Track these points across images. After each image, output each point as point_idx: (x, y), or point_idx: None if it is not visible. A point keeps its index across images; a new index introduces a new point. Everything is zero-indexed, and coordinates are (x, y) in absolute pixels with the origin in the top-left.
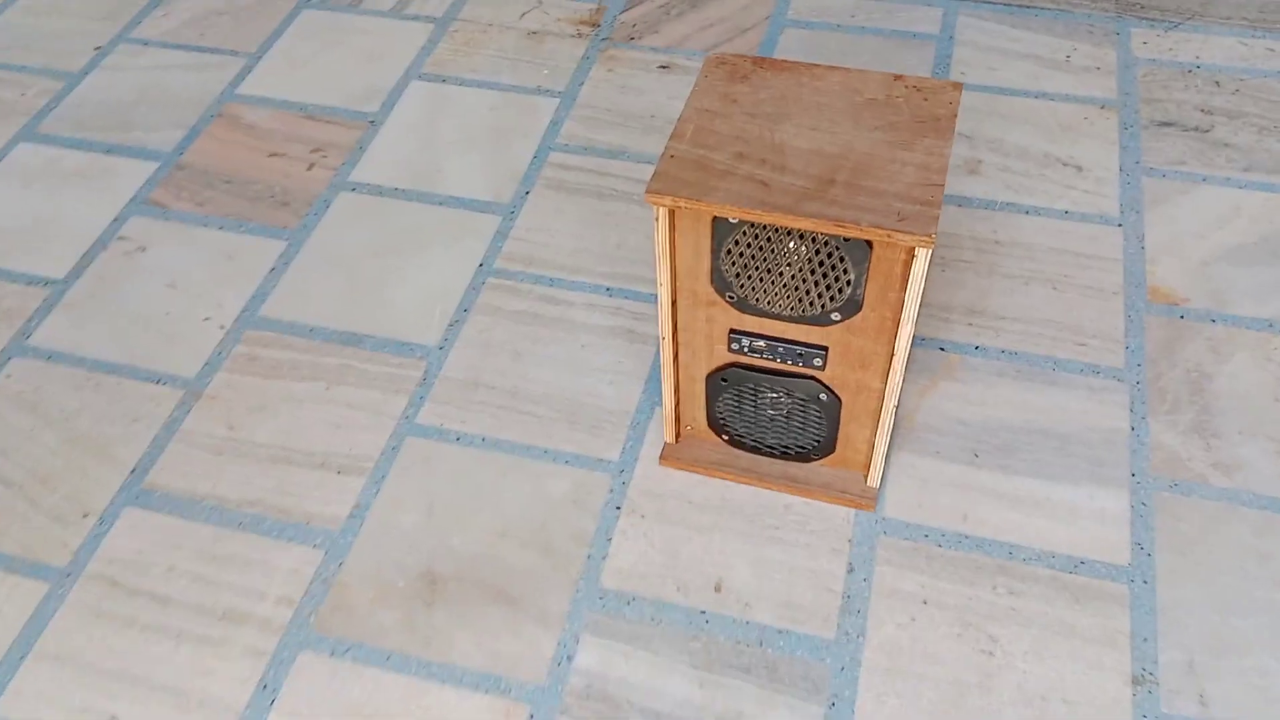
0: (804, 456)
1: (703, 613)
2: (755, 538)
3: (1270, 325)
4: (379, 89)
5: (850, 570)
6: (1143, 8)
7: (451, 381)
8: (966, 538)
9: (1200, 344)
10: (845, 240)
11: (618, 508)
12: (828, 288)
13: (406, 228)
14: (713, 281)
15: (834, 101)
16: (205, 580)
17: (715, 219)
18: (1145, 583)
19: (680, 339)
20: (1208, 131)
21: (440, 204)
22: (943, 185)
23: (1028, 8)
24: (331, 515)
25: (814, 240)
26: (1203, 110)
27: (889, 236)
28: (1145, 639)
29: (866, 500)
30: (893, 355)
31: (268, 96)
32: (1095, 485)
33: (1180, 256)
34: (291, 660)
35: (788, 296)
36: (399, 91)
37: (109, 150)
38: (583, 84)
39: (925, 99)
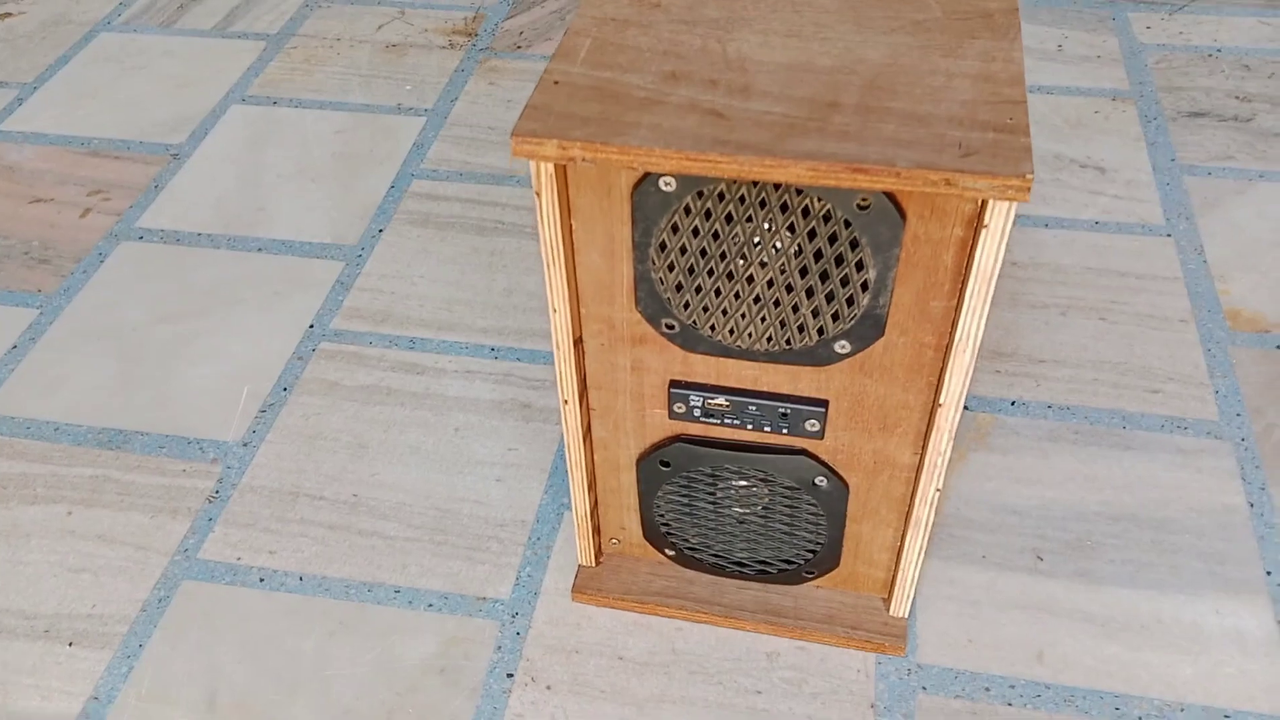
0: (793, 575)
1: None
2: (727, 710)
3: None
4: (187, 117)
5: None
6: None
7: (258, 493)
8: (1047, 688)
9: None
10: (860, 208)
11: (509, 675)
12: (829, 298)
13: (209, 284)
14: (639, 302)
15: (820, 1)
16: None
17: (637, 191)
18: None
19: (593, 402)
20: (1249, 120)
21: (258, 250)
22: (1024, 104)
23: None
24: (53, 715)
25: (804, 214)
26: (1238, 98)
27: (949, 184)
28: None
29: (892, 640)
30: (936, 411)
31: (40, 132)
32: (1221, 593)
33: (1257, 270)
34: None
35: (763, 319)
36: (214, 119)
37: None
38: (455, 100)
39: None
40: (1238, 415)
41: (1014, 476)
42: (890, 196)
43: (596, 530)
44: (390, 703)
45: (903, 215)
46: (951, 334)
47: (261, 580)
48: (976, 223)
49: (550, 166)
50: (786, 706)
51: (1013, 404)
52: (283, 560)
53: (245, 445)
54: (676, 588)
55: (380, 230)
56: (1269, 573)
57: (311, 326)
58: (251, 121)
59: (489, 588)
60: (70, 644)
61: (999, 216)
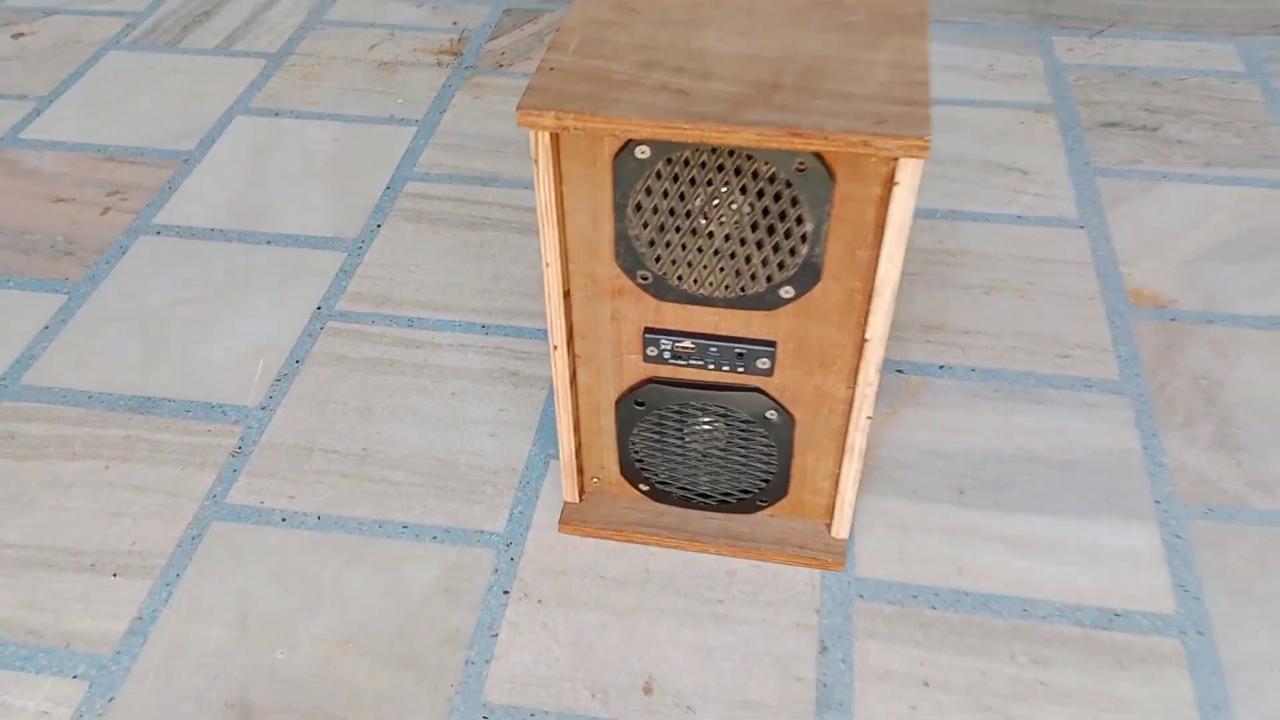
0: (748, 505)
1: None
2: (693, 618)
3: (1277, 323)
4: (196, 127)
5: (823, 650)
6: (1062, 16)
7: (276, 449)
8: (967, 595)
9: (1202, 348)
10: (799, 171)
11: (505, 592)
12: (775, 249)
13: (223, 272)
14: (618, 257)
15: (766, 4)
16: None
17: (617, 159)
18: (1201, 634)
19: (578, 349)
20: (1156, 130)
21: (267, 243)
22: (928, 85)
23: (940, 21)
24: (102, 633)
25: (754, 177)
26: (1147, 110)
27: (867, 145)
28: (1216, 708)
29: (835, 557)
30: (864, 346)
31: (58, 140)
32: (1115, 518)
33: (1157, 256)
34: None
35: (721, 269)
36: (221, 128)
37: None
38: (444, 112)
39: None
40: (1136, 375)
41: (941, 427)
42: (822, 161)
43: (580, 470)
44: (401, 618)
45: (833, 176)
46: (874, 279)
47: (283, 520)
48: (890, 182)
49: (546, 136)
50: (744, 613)
51: (941, 368)
52: (302, 503)
53: (263, 409)
54: (649, 519)
55: (378, 225)
56: (1158, 502)
57: (319, 308)
58: (256, 130)
59: (486, 523)
60: (114, 575)
61: (908, 174)
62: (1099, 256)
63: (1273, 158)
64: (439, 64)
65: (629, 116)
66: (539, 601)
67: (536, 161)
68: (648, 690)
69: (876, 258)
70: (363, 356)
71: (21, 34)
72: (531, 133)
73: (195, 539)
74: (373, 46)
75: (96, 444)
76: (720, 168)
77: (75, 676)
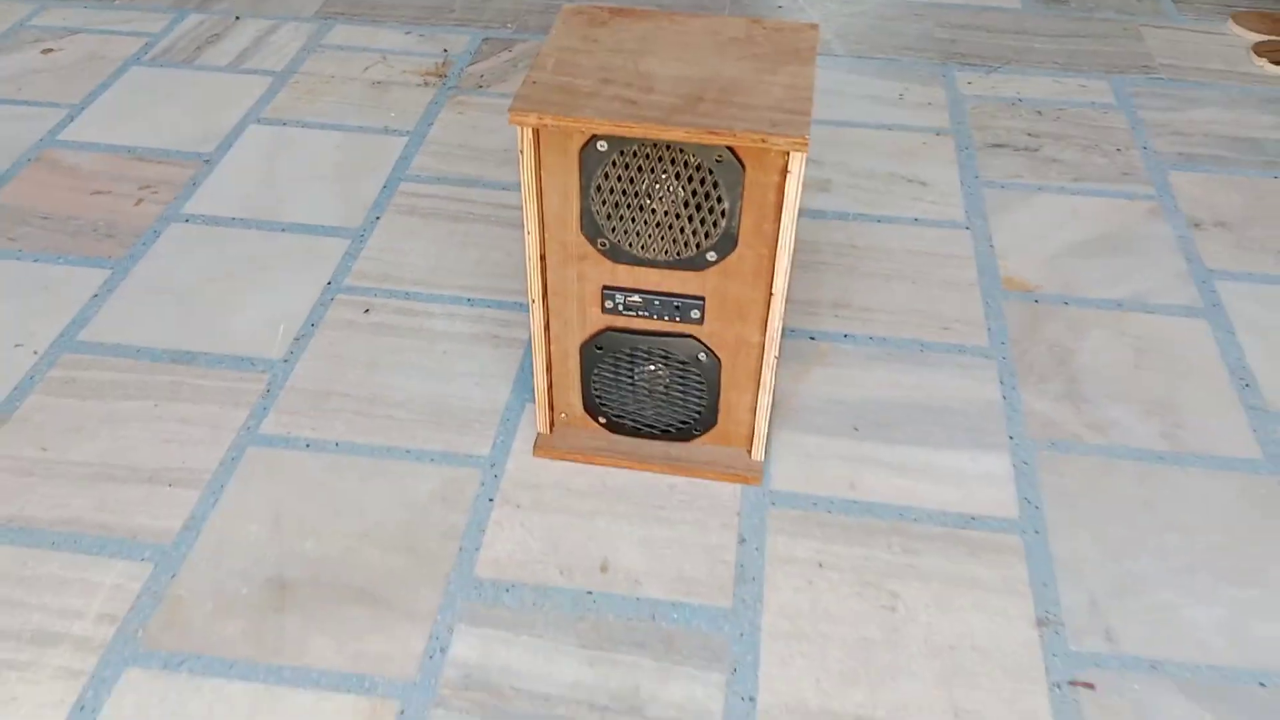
0: (686, 434)
1: (589, 593)
2: (641, 519)
3: (1119, 305)
4: (214, 133)
5: (742, 541)
6: (964, 55)
7: (299, 392)
8: (856, 503)
9: (1059, 323)
10: (718, 161)
11: (490, 500)
12: (702, 222)
13: (245, 254)
14: (583, 228)
15: (696, 40)
16: (9, 603)
17: (583, 151)
18: (1037, 533)
19: (551, 304)
20: (1036, 150)
21: (282, 231)
22: (810, 100)
23: (860, 57)
24: (162, 529)
25: (685, 166)
26: (1029, 134)
27: (763, 141)
28: (1045, 584)
29: (753, 475)
30: (770, 299)
31: (92, 142)
32: (977, 449)
33: (1028, 252)
34: (115, 679)
35: (661, 237)
36: (236, 134)
37: None
38: (432, 124)
39: (785, 38)
40: (1003, 344)
41: (843, 382)
42: (734, 154)
43: (551, 406)
44: (407, 518)
45: (743, 166)
46: (776, 246)
47: (308, 446)
48: (785, 171)
49: (530, 131)
50: (681, 516)
51: (845, 336)
52: (322, 433)
53: (285, 362)
54: (607, 446)
55: (377, 218)
56: (1011, 437)
57: (329, 283)
58: (267, 137)
59: (474, 449)
60: (169, 485)
61: (796, 164)
62: (980, 252)
63: (1131, 175)
64: (426, 84)
65: (591, 117)
66: (518, 506)
67: (522, 151)
68: (604, 569)
69: (776, 230)
70: (368, 322)
71: (50, 50)
72: (519, 128)
73: (234, 460)
74: (367, 68)
75: (145, 387)
76: (660, 159)
77: (142, 559)
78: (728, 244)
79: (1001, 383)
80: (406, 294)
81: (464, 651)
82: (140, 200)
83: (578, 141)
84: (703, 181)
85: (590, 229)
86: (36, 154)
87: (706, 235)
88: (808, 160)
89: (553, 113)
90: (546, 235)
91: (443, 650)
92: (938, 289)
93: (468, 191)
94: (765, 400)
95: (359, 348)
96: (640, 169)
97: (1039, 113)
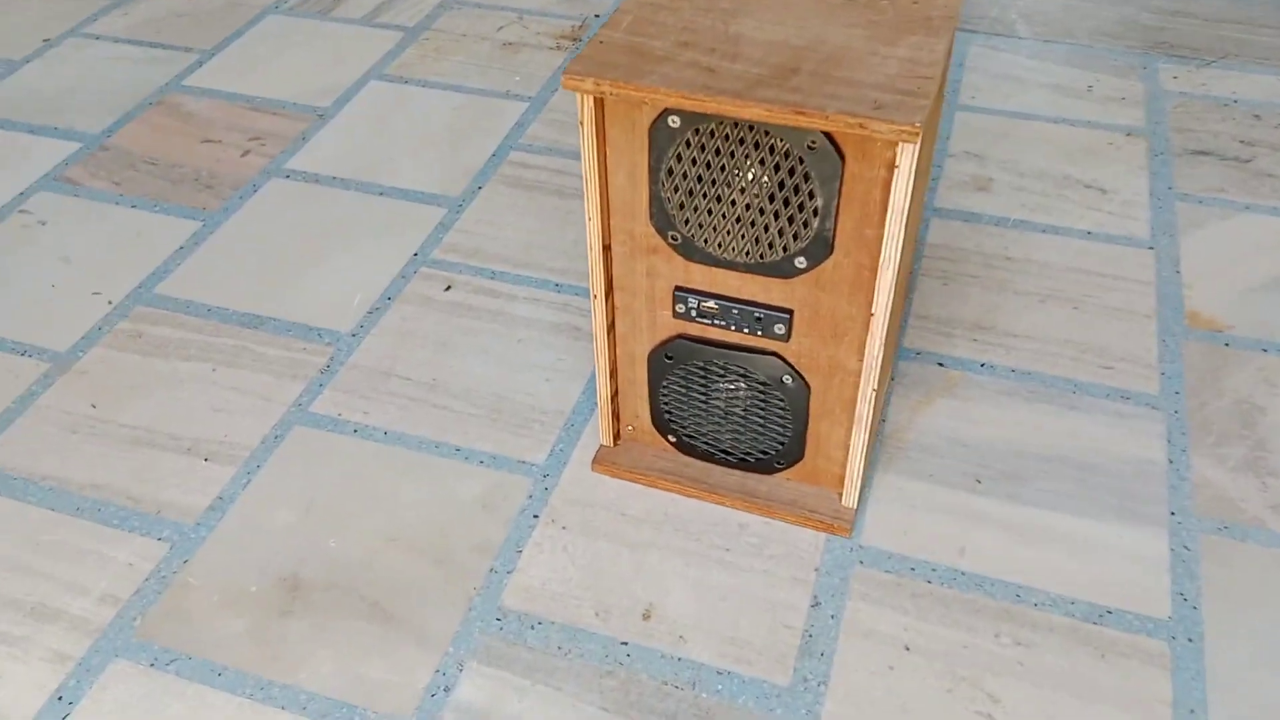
0: (767, 466)
1: (624, 644)
2: (700, 559)
3: None
4: (334, 87)
5: (815, 604)
6: (1172, 45)
7: (359, 369)
8: (963, 574)
9: (1250, 374)
10: (811, 149)
11: (535, 516)
12: (790, 221)
13: (339, 216)
14: (652, 218)
15: (805, 1)
16: (21, 569)
17: (653, 127)
18: (1191, 641)
19: (616, 300)
20: (1248, 162)
21: (380, 194)
22: (936, 80)
23: (1047, 41)
24: (188, 505)
25: (772, 152)
26: (1242, 141)
27: (862, 127)
28: (1192, 711)
29: (841, 523)
30: (870, 319)
31: (214, 89)
32: (1125, 523)
33: (1222, 283)
34: (100, 669)
35: (742, 235)
36: (356, 89)
37: (32, 131)
38: (555, 91)
39: (916, 4)
40: (1176, 393)
41: (970, 419)
42: (832, 141)
43: (616, 415)
44: (444, 523)
45: (841, 156)
46: (879, 257)
47: (355, 431)
48: (892, 166)
49: (590, 101)
50: (748, 562)
51: (982, 365)
52: (373, 418)
53: (353, 335)
54: (674, 469)
55: (479, 187)
56: (1173, 513)
57: (415, 255)
58: (386, 95)
59: (528, 454)
60: (206, 459)
61: (906, 158)
62: (1163, 277)
63: None
64: (558, 47)
65: (656, 86)
66: (563, 527)
67: (582, 123)
68: (646, 616)
69: (882, 237)
70: (447, 300)
71: None
72: (578, 96)
73: (278, 438)
74: (500, 28)
75: (208, 349)
76: (741, 141)
77: (160, 539)
78: (821, 249)
79: (1169, 442)
80: (493, 273)
81: (470, 694)
82: (247, 152)
83: (647, 115)
84: (792, 172)
85: (661, 219)
86: (160, 98)
87: (795, 237)
88: (967, 154)
89: (613, 78)
90: (612, 222)
91: (447, 689)
92: (1104, 318)
93: (576, 165)
94: (860, 439)
95: (431, 327)
96: (719, 152)
97: (1256, 117)
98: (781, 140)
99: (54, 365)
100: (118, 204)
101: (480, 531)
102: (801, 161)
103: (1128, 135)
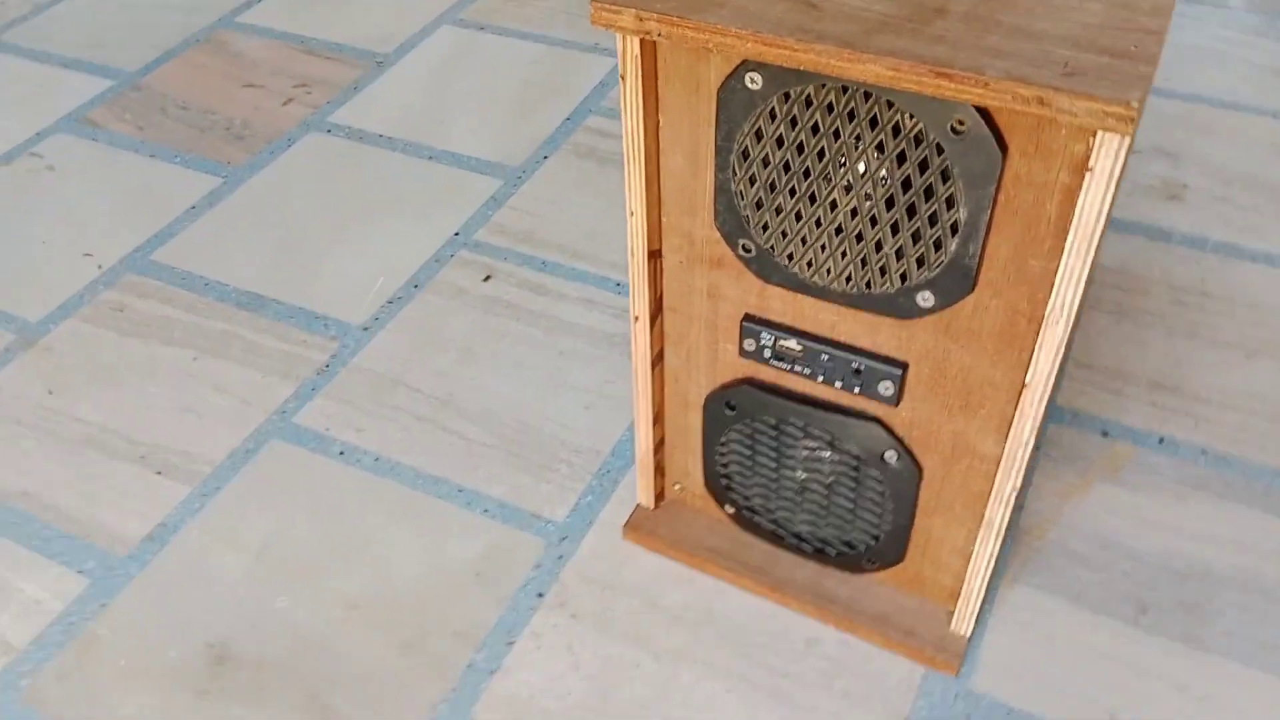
0: (853, 562)
1: None
2: (748, 685)
3: None
4: (401, 30)
5: None
6: None
7: (363, 373)
8: None
9: None
10: (955, 133)
11: (540, 594)
12: (915, 237)
13: (378, 180)
14: (718, 219)
15: None
16: None
17: (724, 88)
18: None
19: (667, 325)
20: None
21: (430, 158)
22: (1160, 37)
23: (1267, 14)
24: (123, 532)
25: (895, 133)
26: None
27: (1041, 102)
28: None
29: (946, 655)
30: (1024, 392)
31: (268, 27)
32: None
33: None
34: None
35: (843, 252)
36: (424, 35)
37: (65, 65)
38: None
39: None
40: None
41: (1139, 518)
42: (990, 122)
43: (659, 470)
44: (424, 592)
45: (1003, 148)
46: (1049, 300)
47: (341, 454)
48: (1085, 167)
49: (636, 47)
50: (811, 698)
51: (1160, 441)
52: (366, 439)
53: (365, 329)
54: (730, 549)
55: (545, 157)
56: None
57: (456, 234)
58: (457, 42)
59: (546, 507)
60: (159, 472)
61: (1107, 156)
62: None
63: None
64: None
65: (729, 26)
66: (573, 615)
67: (623, 78)
68: None
69: (1056, 270)
70: (483, 294)
71: None
72: (619, 38)
73: (248, 454)
74: None
75: (194, 333)
76: (851, 115)
77: (81, 571)
78: (957, 283)
79: None
80: (543, 263)
81: None
82: (290, 100)
83: (716, 71)
84: (924, 166)
85: (729, 221)
86: (208, 35)
87: (921, 262)
88: (1155, 151)
89: (663, 11)
90: (664, 221)
91: None
92: None
93: None
94: (989, 548)
95: (459, 326)
96: (816, 129)
97: None
98: (911, 117)
99: (18, 338)
100: (136, 152)
101: (468, 608)
102: (940, 151)
103: None
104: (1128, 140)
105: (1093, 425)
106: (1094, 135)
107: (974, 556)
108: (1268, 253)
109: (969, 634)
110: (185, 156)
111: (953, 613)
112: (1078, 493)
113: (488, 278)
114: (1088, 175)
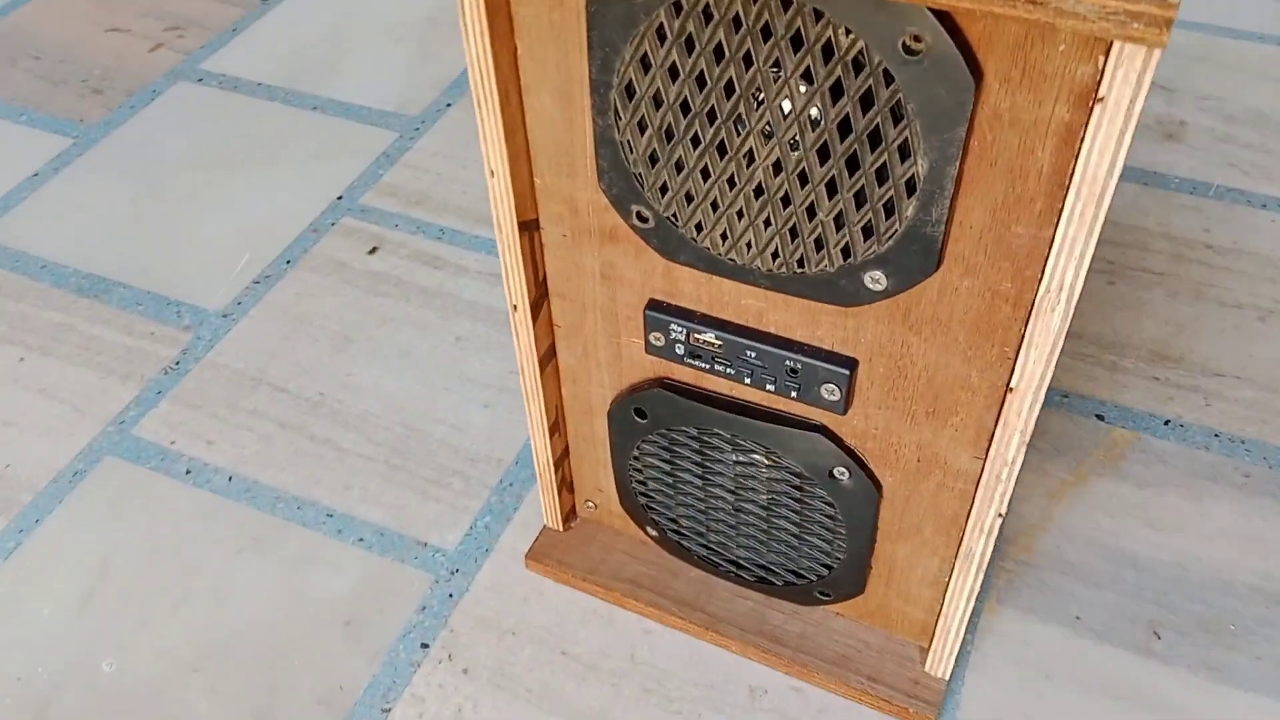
0: (803, 592)
1: None
2: None
3: None
4: None
5: None
6: None
7: (218, 372)
8: None
9: None
10: (908, 52)
11: (424, 645)
12: (859, 199)
13: (253, 137)
14: (603, 178)
15: None
16: None
17: (592, 1)
18: None
19: (557, 315)
20: None
21: (313, 109)
22: None
23: None
24: None
25: (827, 56)
26: None
27: (1034, 3)
28: None
29: (920, 706)
30: (1008, 397)
31: None
32: None
33: None
34: None
35: (767, 222)
36: None
37: None
38: None
39: None
40: None
41: (1146, 519)
42: (960, 40)
43: (565, 485)
44: (280, 646)
45: (976, 73)
46: (1041, 280)
47: (188, 472)
48: (1091, 96)
49: None
50: None
51: (1166, 423)
52: (218, 453)
53: (225, 316)
54: (656, 579)
55: (449, 105)
56: None
57: (339, 199)
58: None
59: (434, 533)
60: None
61: (1126, 82)
62: None
63: None
64: None
65: None
66: (465, 671)
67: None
68: None
69: (1052, 239)
70: (367, 269)
71: None
72: None
73: (77, 475)
74: None
75: (24, 326)
76: (767, 32)
77: None
78: (917, 259)
79: None
80: (441, 230)
81: None
82: (158, 45)
83: None
84: (867, 100)
85: (617, 182)
86: None
87: (868, 232)
88: (1152, 86)
89: None
90: (538, 183)
91: None
92: None
93: None
94: (969, 582)
95: (336, 309)
96: (721, 53)
97: None
98: (849, 33)
99: None
100: None
101: (334, 666)
102: (889, 80)
103: None
104: (1156, 55)
105: (1086, 408)
106: (1106, 50)
107: (950, 590)
108: (1278, 198)
109: (947, 676)
110: (32, 115)
111: (926, 650)
112: (1071, 492)
113: (374, 250)
114: (1097, 109)
